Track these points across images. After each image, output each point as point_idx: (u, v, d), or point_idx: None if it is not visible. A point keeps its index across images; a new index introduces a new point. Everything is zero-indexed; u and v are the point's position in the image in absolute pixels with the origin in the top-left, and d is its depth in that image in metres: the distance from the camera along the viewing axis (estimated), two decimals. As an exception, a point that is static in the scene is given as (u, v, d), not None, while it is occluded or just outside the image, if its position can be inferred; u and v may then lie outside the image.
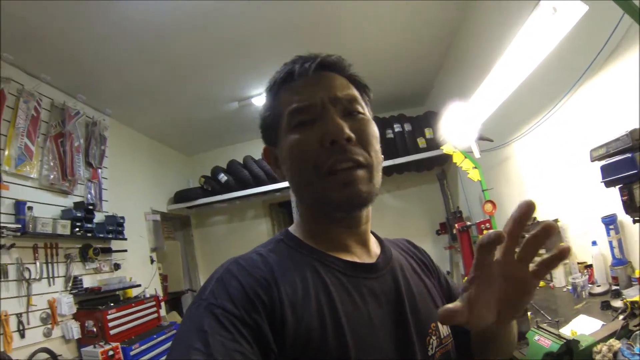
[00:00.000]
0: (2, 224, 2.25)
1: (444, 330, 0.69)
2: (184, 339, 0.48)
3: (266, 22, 2.72)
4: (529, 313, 1.81)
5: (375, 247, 0.73)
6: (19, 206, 2.42)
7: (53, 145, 2.85)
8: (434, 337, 0.66)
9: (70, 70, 2.85)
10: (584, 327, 1.57)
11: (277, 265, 0.60)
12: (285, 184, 0.78)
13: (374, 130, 0.67)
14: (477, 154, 2.84)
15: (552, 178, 2.35)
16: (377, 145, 0.66)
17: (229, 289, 0.53)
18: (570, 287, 1.97)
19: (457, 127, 3.01)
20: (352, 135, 0.61)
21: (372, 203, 0.65)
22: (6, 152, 2.44)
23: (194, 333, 0.48)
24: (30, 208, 2.47)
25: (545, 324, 1.64)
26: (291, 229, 0.71)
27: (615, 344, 1.32)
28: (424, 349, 0.63)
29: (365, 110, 0.68)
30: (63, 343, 2.51)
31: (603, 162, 1.64)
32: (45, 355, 2.21)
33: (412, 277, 0.72)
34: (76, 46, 2.59)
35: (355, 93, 0.68)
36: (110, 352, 2.37)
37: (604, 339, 1.38)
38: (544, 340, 1.50)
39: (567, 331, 1.55)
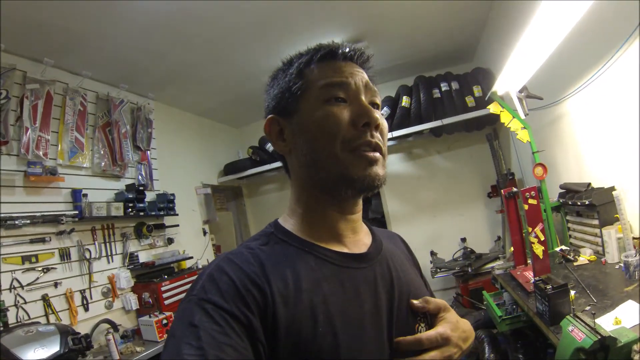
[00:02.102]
0: (61, 212, 2.51)
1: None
2: (176, 334, 0.50)
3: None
4: (572, 292, 1.67)
5: (366, 237, 0.75)
6: (75, 194, 2.67)
7: (102, 134, 3.07)
8: (422, 325, 0.68)
9: (110, 63, 2.98)
10: (630, 315, 1.40)
11: (268, 259, 0.60)
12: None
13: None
14: (522, 114, 2.56)
15: (610, 140, 2.05)
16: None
17: (219, 284, 0.55)
18: (622, 265, 1.76)
19: (503, 85, 2.72)
20: (380, 123, 0.66)
21: (379, 189, 0.69)
22: (59, 147, 2.68)
23: (185, 328, 0.50)
24: (85, 195, 2.72)
25: (587, 308, 1.50)
26: (281, 220, 0.72)
27: (659, 343, 1.17)
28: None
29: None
30: (123, 314, 2.83)
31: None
32: (107, 325, 2.52)
33: (401, 267, 0.75)
34: (113, 40, 2.68)
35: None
36: (164, 321, 2.62)
37: (648, 336, 1.23)
38: (577, 333, 1.36)
39: (611, 318, 1.39)
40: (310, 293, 0.58)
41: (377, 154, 0.65)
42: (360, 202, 0.72)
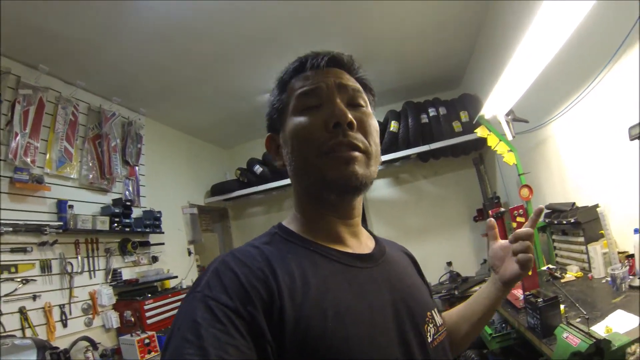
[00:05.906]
0: (45, 222, 2.44)
1: (438, 319, 0.72)
2: (178, 331, 0.49)
3: (294, 13, 2.70)
4: (562, 306, 1.69)
5: (368, 241, 0.75)
6: (61, 205, 2.60)
7: (91, 146, 3.03)
8: (430, 325, 0.68)
9: (104, 75, 2.99)
10: (620, 323, 1.42)
11: (274, 256, 0.60)
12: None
13: (375, 123, 0.71)
14: (509, 136, 2.66)
15: (592, 159, 2.14)
16: (376, 138, 0.70)
17: (224, 280, 0.53)
18: (609, 279, 1.81)
19: (491, 109, 2.83)
20: (355, 121, 0.65)
21: (366, 190, 0.67)
22: (47, 156, 2.63)
23: (187, 325, 0.48)
24: (71, 206, 2.65)
25: (577, 320, 1.52)
26: (285, 222, 0.72)
27: (651, 344, 1.19)
28: (423, 337, 0.65)
29: (367, 105, 0.72)
30: (103, 332, 2.70)
31: (643, 141, 1.48)
32: (85, 343, 2.39)
33: (405, 270, 0.77)
34: (107, 52, 2.71)
35: (360, 88, 0.72)
36: (147, 341, 2.51)
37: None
38: (572, 339, 1.38)
39: (602, 327, 1.41)
40: (318, 289, 0.57)
41: (355, 153, 0.64)
42: (358, 206, 0.73)
